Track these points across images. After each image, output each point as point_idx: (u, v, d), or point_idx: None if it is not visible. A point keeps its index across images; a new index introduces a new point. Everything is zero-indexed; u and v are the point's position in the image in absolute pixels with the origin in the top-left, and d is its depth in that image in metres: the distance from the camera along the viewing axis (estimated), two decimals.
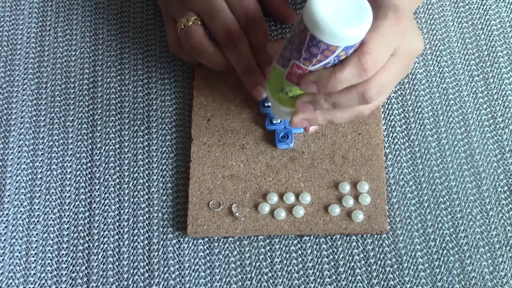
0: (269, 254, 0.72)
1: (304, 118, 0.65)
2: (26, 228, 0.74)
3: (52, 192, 0.76)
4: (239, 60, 0.73)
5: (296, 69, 0.61)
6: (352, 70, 0.59)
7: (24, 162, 0.77)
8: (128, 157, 0.77)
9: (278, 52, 0.63)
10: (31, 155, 0.77)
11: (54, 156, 0.77)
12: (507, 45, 0.78)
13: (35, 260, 0.73)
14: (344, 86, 0.60)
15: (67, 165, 0.77)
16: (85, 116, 0.79)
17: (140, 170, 0.76)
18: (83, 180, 0.76)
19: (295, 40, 0.59)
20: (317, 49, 0.58)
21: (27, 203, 0.75)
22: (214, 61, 0.74)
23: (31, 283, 0.72)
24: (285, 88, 0.63)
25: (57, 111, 0.79)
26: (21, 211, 0.75)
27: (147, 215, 0.74)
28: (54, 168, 0.77)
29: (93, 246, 0.73)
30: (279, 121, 0.74)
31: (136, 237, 0.73)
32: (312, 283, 0.70)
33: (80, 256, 0.73)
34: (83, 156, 0.77)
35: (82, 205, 0.75)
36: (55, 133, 0.78)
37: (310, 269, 0.71)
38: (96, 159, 0.77)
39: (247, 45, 0.73)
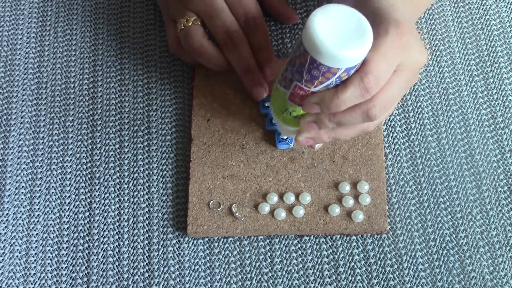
0: (269, 254, 0.72)
1: (309, 137, 0.65)
2: (26, 228, 0.74)
3: (52, 192, 0.76)
4: (239, 60, 0.73)
5: (298, 90, 0.60)
6: (355, 91, 0.59)
7: (24, 162, 0.77)
8: (128, 157, 0.77)
9: (279, 73, 0.63)
10: (31, 155, 0.77)
11: (54, 156, 0.77)
12: (507, 45, 0.78)
13: (35, 260, 0.73)
14: (347, 106, 0.60)
15: (67, 165, 0.77)
16: (85, 116, 0.79)
17: (140, 170, 0.76)
18: (83, 180, 0.76)
19: (296, 62, 0.59)
20: (318, 72, 0.57)
21: (27, 203, 0.75)
22: (214, 62, 0.74)
23: (31, 283, 0.72)
24: (288, 109, 0.63)
25: (57, 111, 0.79)
26: (21, 211, 0.75)
27: (147, 215, 0.74)
28: (54, 168, 0.77)
29: (93, 246, 0.73)
30: None
31: (136, 237, 0.73)
32: (312, 283, 0.70)
33: (80, 256, 0.73)
34: (83, 156, 0.77)
35: (82, 205, 0.75)
36: (55, 133, 0.78)
37: (310, 269, 0.71)
38: (96, 159, 0.77)
39: (247, 45, 0.73)
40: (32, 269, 0.73)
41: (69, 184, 0.76)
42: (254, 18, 0.74)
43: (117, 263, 0.73)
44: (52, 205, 0.75)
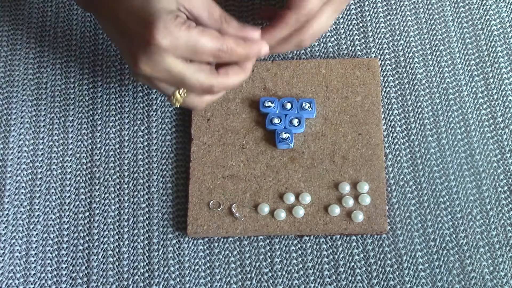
0: (269, 254, 0.72)
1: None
2: (26, 228, 0.74)
3: (52, 192, 0.76)
4: (232, 87, 0.68)
5: None
6: (291, 27, 0.68)
7: (24, 162, 0.77)
8: (128, 157, 0.77)
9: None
10: (31, 155, 0.77)
11: (54, 156, 0.77)
12: (507, 45, 0.78)
13: (35, 260, 0.73)
14: (281, 40, 0.69)
15: (67, 165, 0.77)
16: (85, 116, 0.79)
17: (140, 170, 0.76)
18: (83, 180, 0.76)
19: None
20: None
21: (27, 203, 0.75)
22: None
23: (31, 283, 0.72)
24: None
25: (57, 111, 0.79)
26: (21, 211, 0.75)
27: (147, 215, 0.74)
28: (54, 168, 0.77)
29: (93, 246, 0.73)
30: (279, 121, 0.74)
31: (136, 237, 0.73)
32: (312, 283, 0.71)
33: (80, 256, 0.73)
34: (83, 156, 0.77)
35: (82, 205, 0.75)
36: (55, 133, 0.78)
37: (310, 269, 0.71)
38: (96, 159, 0.77)
39: (234, 43, 0.67)
40: (32, 269, 0.73)
41: (69, 184, 0.76)
42: (222, 46, 0.66)
43: (117, 263, 0.73)
44: (52, 205, 0.75)
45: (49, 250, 0.73)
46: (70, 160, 0.77)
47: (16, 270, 0.73)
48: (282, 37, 0.69)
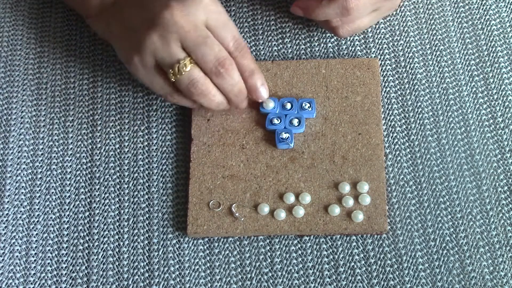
0: (269, 254, 0.72)
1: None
2: (26, 228, 0.74)
3: (52, 192, 0.76)
4: (232, 86, 0.70)
5: None
6: (336, 8, 0.72)
7: (24, 162, 0.77)
8: (128, 157, 0.77)
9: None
10: (31, 155, 0.77)
11: (54, 156, 0.77)
12: (507, 45, 0.78)
13: (35, 260, 0.73)
14: (325, 18, 0.74)
15: (67, 165, 0.77)
16: (85, 116, 0.79)
17: (140, 170, 0.76)
18: (83, 180, 0.76)
19: None
20: None
21: (27, 203, 0.75)
22: (216, 101, 0.71)
23: (31, 283, 0.72)
24: None
25: (57, 111, 0.79)
26: (21, 211, 0.75)
27: (147, 215, 0.74)
28: (54, 168, 0.77)
29: (93, 246, 0.73)
30: (279, 121, 0.74)
31: (136, 237, 0.73)
32: (312, 283, 0.70)
33: (80, 256, 0.73)
34: (83, 156, 0.77)
35: (82, 205, 0.75)
36: (55, 133, 0.78)
37: (310, 269, 0.71)
38: (96, 159, 0.77)
39: (237, 69, 0.70)
40: (32, 269, 0.73)
41: (69, 184, 0.76)
42: (241, 41, 0.71)
43: (117, 263, 0.73)
44: (52, 205, 0.75)
45: (49, 250, 0.73)
46: (70, 160, 0.77)
47: (16, 270, 0.73)
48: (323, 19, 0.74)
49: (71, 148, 0.77)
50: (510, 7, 0.80)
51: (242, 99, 0.72)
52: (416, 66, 0.78)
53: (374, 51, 0.79)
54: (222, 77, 0.69)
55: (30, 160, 0.77)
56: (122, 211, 0.75)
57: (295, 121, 0.74)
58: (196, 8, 0.68)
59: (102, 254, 0.73)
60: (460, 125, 0.75)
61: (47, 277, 0.73)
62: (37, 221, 0.75)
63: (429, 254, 0.70)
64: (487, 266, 0.70)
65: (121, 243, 0.73)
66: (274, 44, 0.80)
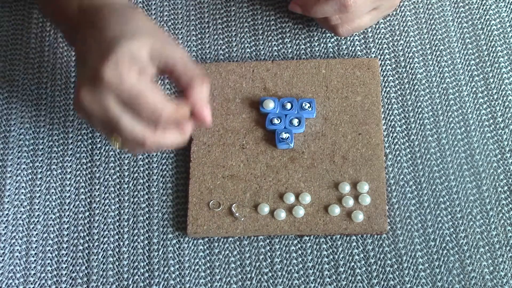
0: (269, 254, 0.72)
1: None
2: (26, 228, 0.74)
3: (52, 192, 0.76)
4: (171, 144, 0.65)
5: None
6: (334, 5, 0.71)
7: (24, 162, 0.77)
8: (128, 157, 0.77)
9: None
10: (31, 155, 0.77)
11: (54, 156, 0.77)
12: (507, 45, 0.78)
13: (35, 260, 0.73)
14: (323, 16, 0.74)
15: (67, 165, 0.77)
16: None
17: (140, 170, 0.76)
18: (83, 180, 0.76)
19: None
20: None
21: (27, 203, 0.75)
22: (172, 145, 0.66)
23: (31, 283, 0.72)
24: None
25: (57, 111, 0.79)
26: (21, 211, 0.75)
27: (147, 215, 0.74)
28: (54, 168, 0.77)
29: (93, 246, 0.73)
30: (279, 121, 0.74)
31: (136, 237, 0.73)
32: (312, 283, 0.70)
33: (80, 256, 0.73)
34: (83, 156, 0.77)
35: (82, 205, 0.75)
36: (55, 133, 0.78)
37: (310, 269, 0.71)
38: (96, 159, 0.77)
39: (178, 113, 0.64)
40: (32, 269, 0.73)
41: (69, 184, 0.76)
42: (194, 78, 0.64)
43: (117, 263, 0.73)
44: (52, 205, 0.75)
45: (49, 250, 0.73)
46: (70, 160, 0.77)
47: (16, 270, 0.73)
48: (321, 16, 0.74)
49: (71, 148, 0.77)
50: (510, 7, 0.80)
51: (187, 132, 0.66)
52: (416, 66, 0.78)
53: (374, 51, 0.79)
54: (151, 148, 0.65)
55: (30, 160, 0.77)
56: (122, 211, 0.75)
57: (295, 121, 0.74)
58: (101, 89, 0.61)
59: (102, 254, 0.73)
60: (460, 125, 0.75)
61: (47, 277, 0.73)
62: (37, 221, 0.75)
63: (429, 254, 0.70)
64: (487, 266, 0.70)
65: (121, 243, 0.73)
66: (274, 44, 0.80)
